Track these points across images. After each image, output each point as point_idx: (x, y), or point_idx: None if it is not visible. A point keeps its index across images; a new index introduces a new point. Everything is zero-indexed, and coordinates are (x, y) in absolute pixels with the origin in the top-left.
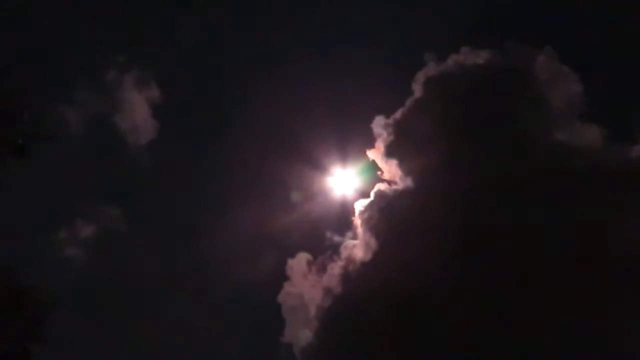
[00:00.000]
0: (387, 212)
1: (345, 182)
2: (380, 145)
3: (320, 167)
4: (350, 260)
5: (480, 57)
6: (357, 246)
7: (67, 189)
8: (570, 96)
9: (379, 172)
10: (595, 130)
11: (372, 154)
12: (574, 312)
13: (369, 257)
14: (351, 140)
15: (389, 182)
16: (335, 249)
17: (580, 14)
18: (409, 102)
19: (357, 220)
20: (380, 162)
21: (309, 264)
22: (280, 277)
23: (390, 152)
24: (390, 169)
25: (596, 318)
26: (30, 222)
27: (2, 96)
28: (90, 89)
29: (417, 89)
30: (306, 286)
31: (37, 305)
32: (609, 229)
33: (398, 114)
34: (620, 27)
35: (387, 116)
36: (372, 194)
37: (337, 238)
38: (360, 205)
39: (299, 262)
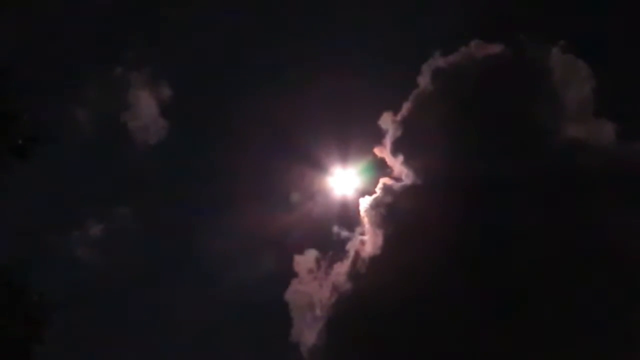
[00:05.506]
0: (394, 207)
1: (348, 179)
2: (387, 141)
3: (322, 166)
4: (357, 256)
5: (491, 50)
6: (365, 242)
7: (76, 188)
8: (584, 92)
9: (387, 169)
10: (609, 127)
11: (378, 151)
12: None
13: (376, 252)
14: (354, 138)
15: (395, 179)
16: (343, 245)
17: (595, 8)
18: (413, 95)
19: (364, 217)
20: (387, 159)
21: (317, 261)
22: (288, 275)
23: (396, 149)
24: (396, 166)
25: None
26: (39, 222)
27: (2, 96)
28: (100, 88)
29: (423, 82)
30: (314, 284)
31: (38, 305)
32: (622, 226)
33: (405, 110)
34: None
35: (394, 112)
36: (377, 190)
37: (344, 234)
38: (366, 202)
39: (306, 260)
